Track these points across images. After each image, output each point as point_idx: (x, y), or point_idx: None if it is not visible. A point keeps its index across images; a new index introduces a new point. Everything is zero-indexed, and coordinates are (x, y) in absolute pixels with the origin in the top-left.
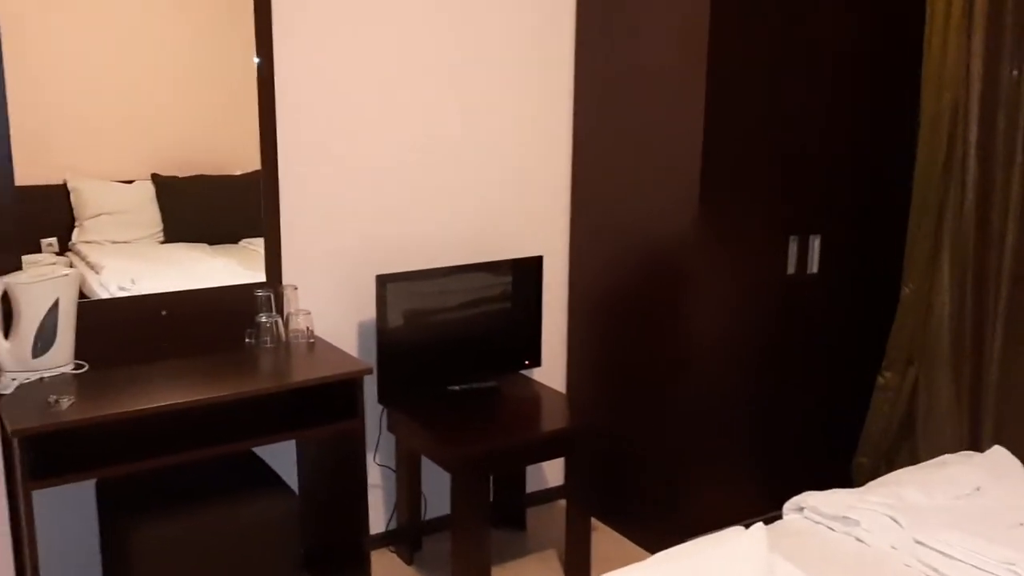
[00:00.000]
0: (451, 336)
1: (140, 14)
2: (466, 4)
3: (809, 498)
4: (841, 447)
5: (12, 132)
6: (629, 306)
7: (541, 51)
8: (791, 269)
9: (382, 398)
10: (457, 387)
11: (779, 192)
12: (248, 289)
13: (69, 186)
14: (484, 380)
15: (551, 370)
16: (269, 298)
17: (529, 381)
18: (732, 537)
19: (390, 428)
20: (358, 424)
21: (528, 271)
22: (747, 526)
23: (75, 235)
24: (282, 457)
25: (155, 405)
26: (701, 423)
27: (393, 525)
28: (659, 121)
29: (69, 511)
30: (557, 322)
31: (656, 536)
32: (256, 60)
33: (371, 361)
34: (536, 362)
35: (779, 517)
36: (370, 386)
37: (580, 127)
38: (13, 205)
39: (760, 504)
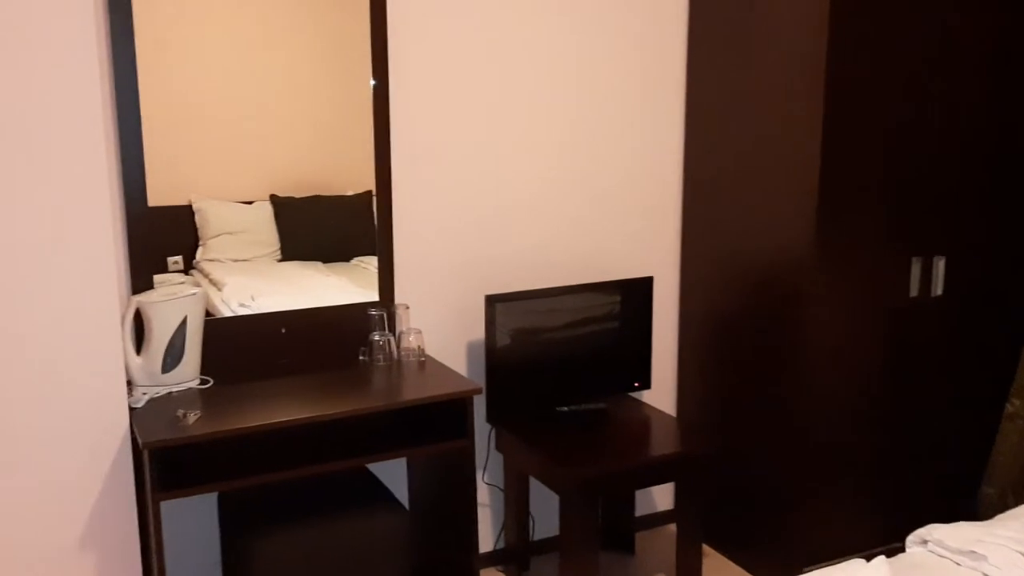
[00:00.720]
0: (560, 357)
1: (261, 41)
2: (577, 26)
3: (934, 531)
4: (965, 477)
5: (150, 160)
6: (742, 329)
7: (652, 70)
8: (914, 292)
9: (491, 418)
10: (566, 408)
11: (901, 211)
12: (362, 308)
13: (194, 207)
14: (593, 401)
15: (661, 393)
16: (382, 317)
17: (638, 404)
18: (854, 569)
19: (498, 447)
20: (468, 443)
21: (638, 292)
22: (868, 558)
23: (199, 253)
24: (393, 474)
25: (275, 421)
26: (819, 449)
27: (501, 544)
28: (773, 140)
29: (193, 523)
30: (667, 344)
31: (770, 565)
32: (372, 82)
33: (480, 380)
34: (646, 384)
35: (901, 549)
36: (479, 405)
37: (691, 147)
38: (147, 228)
39: (879, 535)
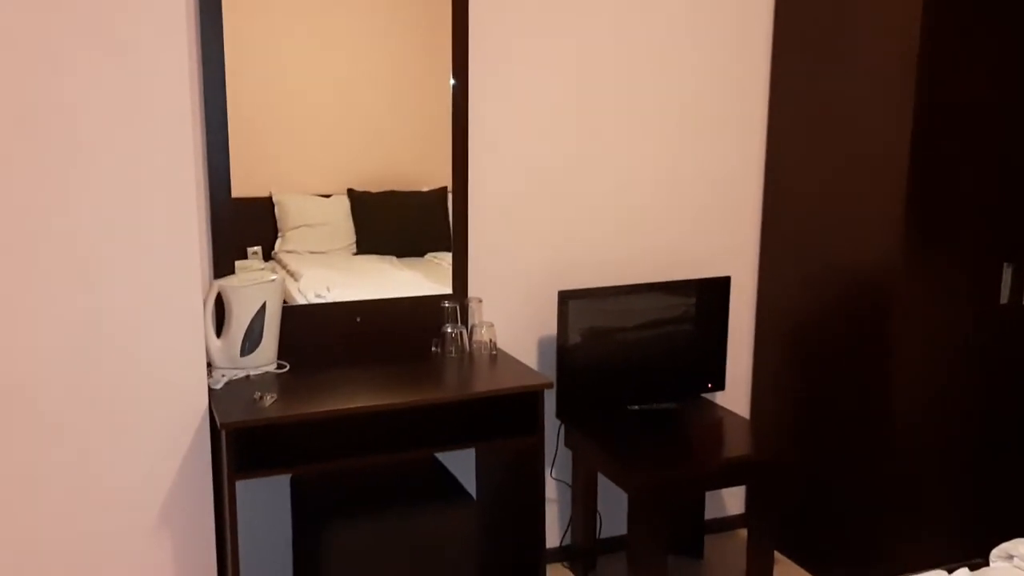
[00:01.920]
0: (632, 355)
1: (342, 39)
2: (660, 25)
3: (1020, 545)
4: None
5: (234, 153)
6: (823, 333)
7: (735, 69)
8: (1004, 299)
9: (560, 413)
10: (637, 407)
11: (992, 214)
12: (436, 300)
13: (274, 199)
14: (665, 401)
15: (735, 395)
16: (455, 309)
17: (711, 405)
18: None
19: (567, 444)
20: (538, 438)
21: (714, 292)
22: (950, 571)
23: (277, 245)
24: (462, 465)
25: (349, 407)
26: (902, 459)
27: (567, 541)
28: (859, 143)
29: (266, 506)
30: (743, 346)
31: (845, 574)
32: (452, 82)
33: (551, 376)
34: (719, 386)
35: (984, 564)
36: (549, 400)
37: (773, 147)
38: (230, 216)
39: (961, 548)
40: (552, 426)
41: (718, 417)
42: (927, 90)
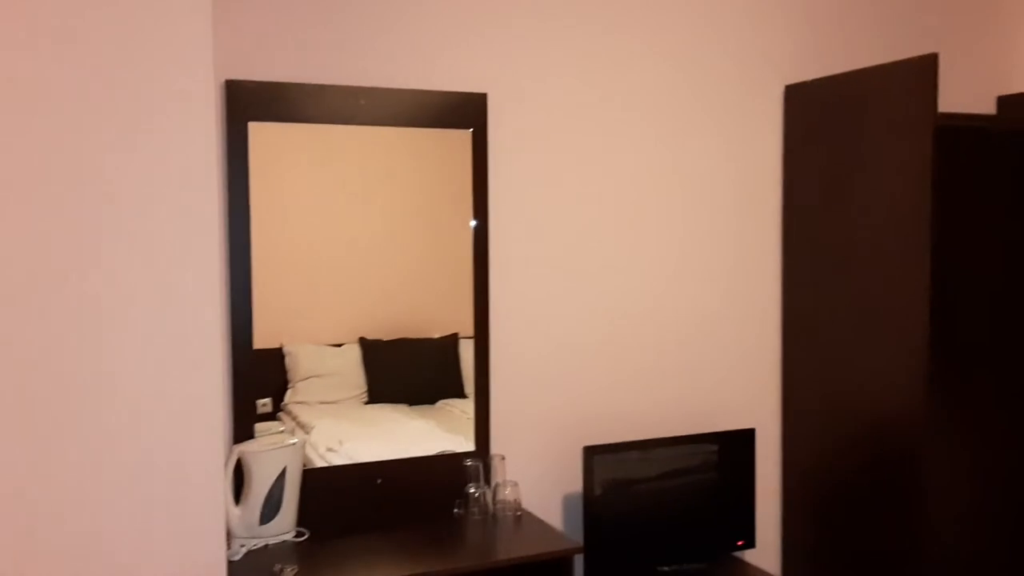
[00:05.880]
0: (660, 513)
1: (352, 189)
2: (670, 171)
3: None
4: None
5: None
6: (850, 487)
7: (748, 219)
8: None
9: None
10: (667, 568)
11: (1016, 363)
12: (458, 458)
13: (284, 350)
14: (696, 561)
15: (765, 553)
16: (478, 468)
17: (743, 565)
18: None
19: None
20: None
21: (739, 444)
22: None
23: (287, 396)
24: None
25: None
26: None
27: None
28: (879, 287)
29: None
30: (771, 500)
31: None
32: (473, 222)
33: (577, 535)
34: (750, 543)
35: None
36: (577, 561)
37: (790, 295)
38: (251, 377)
39: None
40: None
41: None
42: (942, 232)
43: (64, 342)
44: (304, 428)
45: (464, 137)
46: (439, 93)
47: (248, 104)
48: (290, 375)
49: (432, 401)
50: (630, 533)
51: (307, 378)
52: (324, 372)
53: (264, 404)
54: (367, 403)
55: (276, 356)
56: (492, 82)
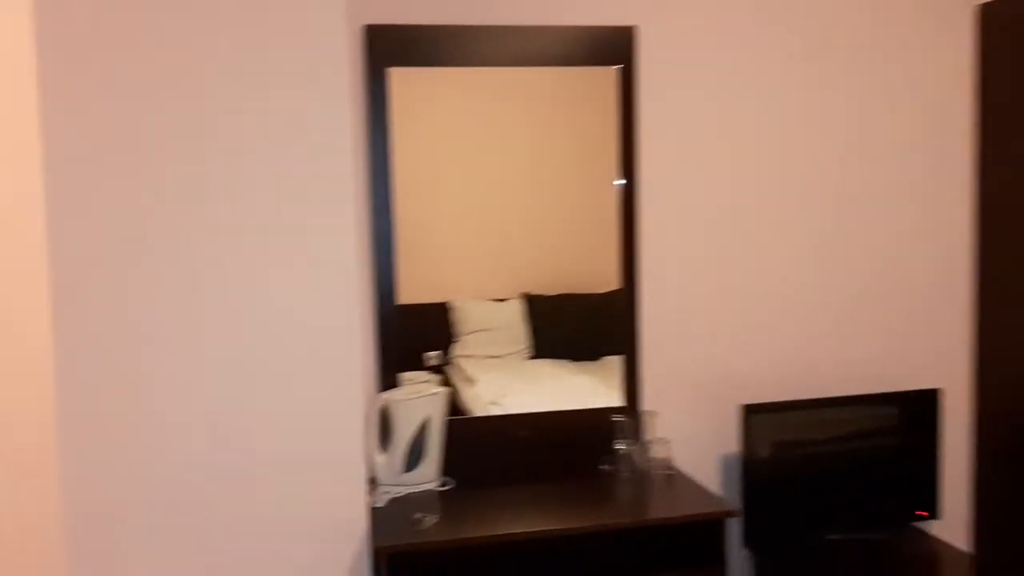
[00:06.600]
0: (829, 477)
1: (513, 148)
2: (843, 109)
3: None
4: None
5: (407, 260)
6: None
7: (932, 157)
8: None
9: (748, 542)
10: (837, 536)
11: None
12: (606, 413)
13: (451, 305)
14: (869, 531)
15: (952, 524)
16: (627, 424)
17: (924, 536)
18: None
19: None
20: (719, 571)
21: (922, 406)
22: None
23: (455, 349)
24: None
25: (514, 532)
26: None
27: None
28: None
29: None
30: (959, 467)
31: None
32: (619, 181)
33: (733, 498)
34: (933, 513)
35: None
36: (734, 526)
37: (987, 243)
38: (396, 328)
39: None
40: (736, 555)
41: (933, 550)
42: None
43: (222, 296)
44: (470, 382)
45: (610, 75)
46: (584, 28)
47: (387, 49)
48: (457, 329)
49: (595, 357)
50: (794, 498)
51: (473, 332)
52: (489, 327)
53: (433, 357)
54: (530, 358)
55: (444, 311)
56: (641, 14)
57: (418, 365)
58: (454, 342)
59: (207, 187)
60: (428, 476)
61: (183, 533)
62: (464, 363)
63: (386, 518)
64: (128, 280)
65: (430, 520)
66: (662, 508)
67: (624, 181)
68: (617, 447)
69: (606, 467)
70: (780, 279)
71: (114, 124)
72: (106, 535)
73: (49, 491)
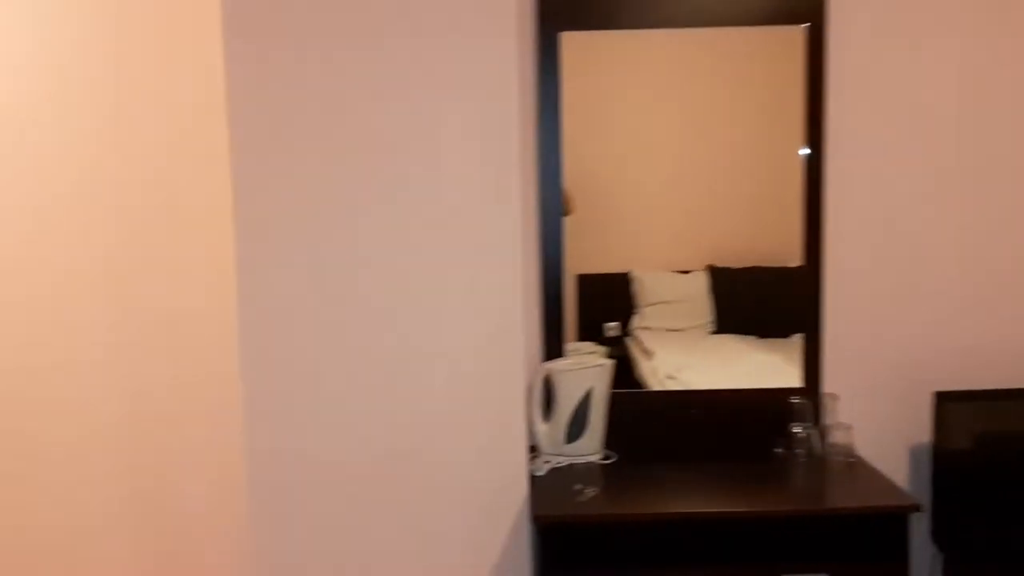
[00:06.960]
0: None
1: (697, 114)
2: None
3: None
4: None
5: (587, 230)
6: None
7: None
8: None
9: (938, 539)
10: None
11: None
12: (782, 394)
13: (631, 276)
14: None
15: None
16: (806, 407)
17: None
18: None
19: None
20: (900, 568)
21: None
22: None
23: (634, 321)
24: None
25: (677, 511)
26: None
27: None
28: None
29: None
30: None
31: None
32: (804, 151)
33: (921, 492)
34: None
35: None
36: (921, 521)
37: None
38: (561, 298)
39: None
40: (922, 554)
41: None
42: None
43: (392, 272)
44: (648, 354)
45: (796, 35)
46: None
47: (559, 12)
48: (637, 300)
49: (784, 335)
50: (991, 496)
51: (654, 304)
52: (670, 299)
53: (613, 328)
54: (713, 333)
55: (624, 281)
56: None
57: (597, 336)
58: (634, 314)
59: (378, 168)
60: (591, 448)
61: (352, 493)
62: (643, 335)
63: (546, 487)
64: (311, 265)
65: (590, 492)
66: (840, 497)
67: (809, 151)
68: (794, 430)
69: (780, 451)
70: (981, 257)
71: (300, 116)
72: (284, 487)
73: (235, 439)
